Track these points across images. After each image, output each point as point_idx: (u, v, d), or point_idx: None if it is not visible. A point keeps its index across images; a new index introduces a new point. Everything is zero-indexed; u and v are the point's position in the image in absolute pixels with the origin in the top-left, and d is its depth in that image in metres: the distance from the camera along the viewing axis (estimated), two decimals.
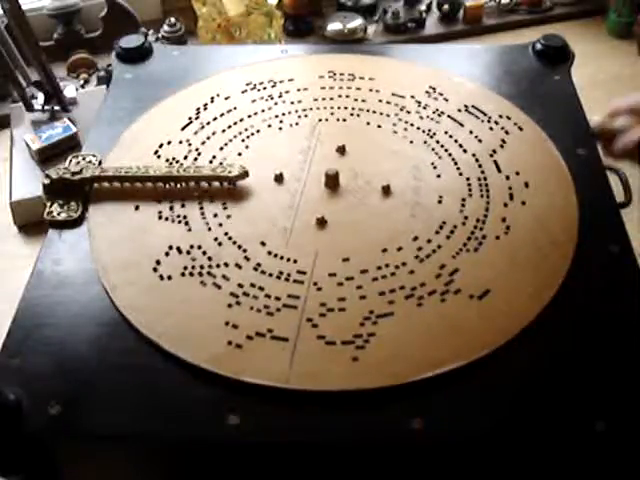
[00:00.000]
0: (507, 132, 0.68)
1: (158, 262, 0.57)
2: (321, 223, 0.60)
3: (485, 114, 0.70)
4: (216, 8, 1.25)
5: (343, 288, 0.55)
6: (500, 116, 0.69)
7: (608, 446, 0.46)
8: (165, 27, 1.35)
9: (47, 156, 1.06)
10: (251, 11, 1.26)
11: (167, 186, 0.63)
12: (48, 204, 0.62)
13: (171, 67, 0.78)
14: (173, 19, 1.35)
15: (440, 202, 0.61)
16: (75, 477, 0.55)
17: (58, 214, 0.61)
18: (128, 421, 0.48)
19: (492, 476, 0.51)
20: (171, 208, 0.62)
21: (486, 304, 0.53)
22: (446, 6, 1.41)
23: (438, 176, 0.64)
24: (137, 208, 0.62)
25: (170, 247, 0.58)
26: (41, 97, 1.12)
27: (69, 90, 1.17)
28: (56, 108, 1.13)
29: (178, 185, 0.63)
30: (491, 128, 0.68)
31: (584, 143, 0.67)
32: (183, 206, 0.62)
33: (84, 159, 0.65)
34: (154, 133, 0.69)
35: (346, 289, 0.55)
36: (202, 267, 0.57)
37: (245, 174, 0.63)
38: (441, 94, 0.72)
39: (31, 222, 1.02)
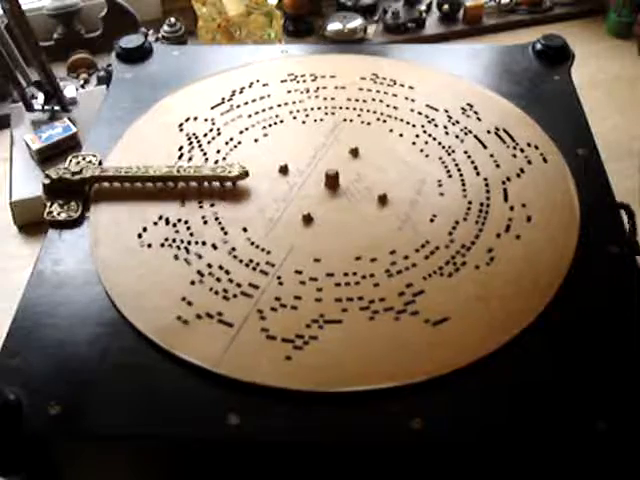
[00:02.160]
0: (529, 162, 0.65)
1: (145, 229, 0.60)
2: (307, 220, 0.60)
3: (514, 139, 0.67)
4: (216, 8, 1.25)
5: (303, 287, 0.55)
6: (528, 144, 0.67)
7: (609, 446, 0.46)
8: (165, 27, 1.35)
9: (47, 156, 1.06)
10: (251, 11, 1.26)
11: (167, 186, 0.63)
12: (48, 204, 0.62)
13: (171, 67, 0.78)
14: (173, 19, 1.35)
15: (432, 221, 0.60)
16: (75, 477, 0.55)
17: (58, 214, 0.61)
18: (128, 421, 0.48)
19: (492, 476, 0.51)
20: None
21: (439, 331, 0.52)
22: (446, 6, 1.41)
23: (441, 194, 0.63)
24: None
25: (160, 217, 0.61)
26: (41, 97, 1.12)
27: (69, 90, 1.17)
28: (56, 108, 1.13)
29: (178, 185, 0.63)
30: (514, 155, 0.66)
31: (584, 143, 0.67)
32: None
33: (84, 159, 0.65)
34: (186, 107, 0.72)
35: (305, 289, 0.55)
36: (182, 241, 0.59)
37: (245, 174, 0.63)
38: (476, 112, 0.71)
39: (31, 222, 1.01)
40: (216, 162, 0.66)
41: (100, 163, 0.65)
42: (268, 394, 0.49)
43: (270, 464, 0.51)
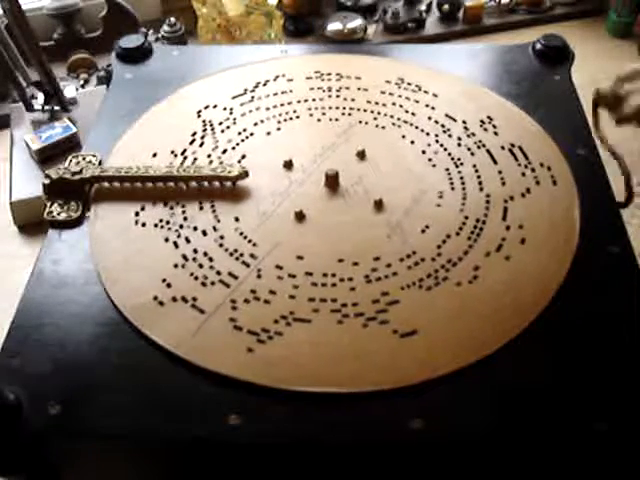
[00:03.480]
0: (538, 182, 0.63)
1: (143, 208, 0.61)
2: (299, 217, 0.60)
3: (527, 158, 0.65)
4: (216, 8, 1.25)
5: (280, 283, 0.55)
6: (541, 164, 0.64)
7: (609, 446, 0.46)
8: (165, 27, 1.35)
9: (47, 156, 1.06)
10: (251, 11, 1.26)
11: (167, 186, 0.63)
12: (48, 204, 0.62)
13: (171, 67, 0.78)
14: (173, 19, 1.35)
15: (423, 232, 0.59)
16: (75, 477, 0.55)
17: (58, 214, 0.61)
18: (128, 421, 0.48)
19: (492, 476, 0.51)
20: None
21: (405, 344, 0.51)
22: (446, 6, 1.41)
23: (438, 206, 0.61)
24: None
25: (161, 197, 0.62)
26: (41, 97, 1.12)
27: (69, 90, 1.17)
28: (56, 108, 1.13)
29: (178, 185, 0.63)
30: (523, 174, 0.63)
31: (584, 143, 0.67)
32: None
33: (84, 159, 0.65)
34: (209, 94, 0.73)
35: (282, 284, 0.55)
36: (175, 224, 0.60)
37: (245, 174, 0.63)
38: (495, 126, 0.68)
39: (31, 222, 1.02)
40: (225, 151, 0.67)
41: (100, 163, 0.65)
42: (268, 394, 0.49)
43: (270, 464, 0.51)
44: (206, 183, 0.63)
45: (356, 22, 1.37)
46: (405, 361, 0.50)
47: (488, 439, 0.47)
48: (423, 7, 1.43)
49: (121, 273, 0.56)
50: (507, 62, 0.78)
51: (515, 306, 0.53)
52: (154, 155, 0.66)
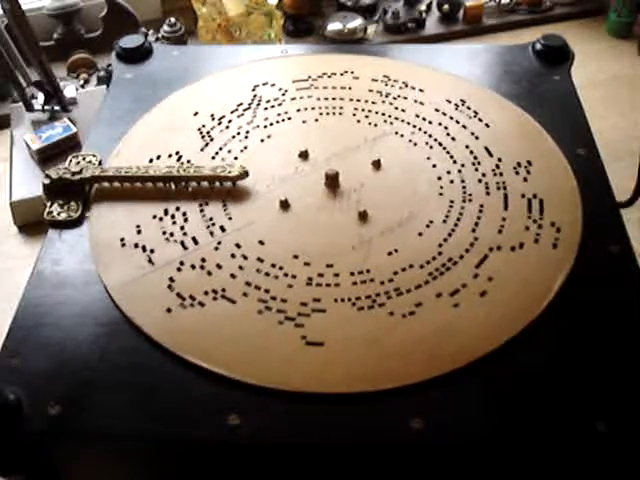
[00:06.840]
0: (537, 241, 0.58)
1: (157, 158, 0.66)
2: (284, 206, 0.61)
3: (542, 213, 0.60)
4: (216, 8, 1.25)
5: (230, 260, 0.57)
6: (552, 224, 0.59)
7: (609, 446, 0.46)
8: (165, 27, 1.35)
9: (47, 156, 1.06)
10: (251, 11, 1.26)
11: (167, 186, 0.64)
12: (48, 204, 0.62)
13: (171, 67, 0.78)
14: (173, 19, 1.35)
15: (390, 254, 0.57)
16: (75, 477, 0.55)
17: (58, 214, 0.61)
18: (128, 421, 0.48)
19: (492, 476, 0.51)
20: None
21: (306, 352, 0.51)
22: (446, 6, 1.41)
23: (419, 234, 0.59)
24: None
25: (176, 152, 0.66)
26: (41, 97, 1.12)
27: (69, 90, 1.17)
28: (56, 108, 1.13)
29: (179, 185, 0.63)
30: (527, 227, 0.59)
31: (584, 143, 0.67)
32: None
33: (84, 159, 0.65)
34: (274, 72, 0.76)
35: (230, 262, 0.57)
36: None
37: (245, 174, 0.63)
38: (528, 172, 0.64)
39: (31, 222, 1.02)
40: (257, 127, 0.69)
41: (100, 163, 0.65)
42: (268, 393, 0.49)
43: (269, 464, 0.51)
44: (206, 183, 0.63)
45: (356, 22, 1.37)
46: (297, 367, 0.50)
47: (488, 439, 0.47)
48: (423, 7, 1.42)
49: (108, 209, 0.61)
50: (507, 62, 0.78)
51: (429, 356, 0.50)
52: (195, 114, 0.71)
